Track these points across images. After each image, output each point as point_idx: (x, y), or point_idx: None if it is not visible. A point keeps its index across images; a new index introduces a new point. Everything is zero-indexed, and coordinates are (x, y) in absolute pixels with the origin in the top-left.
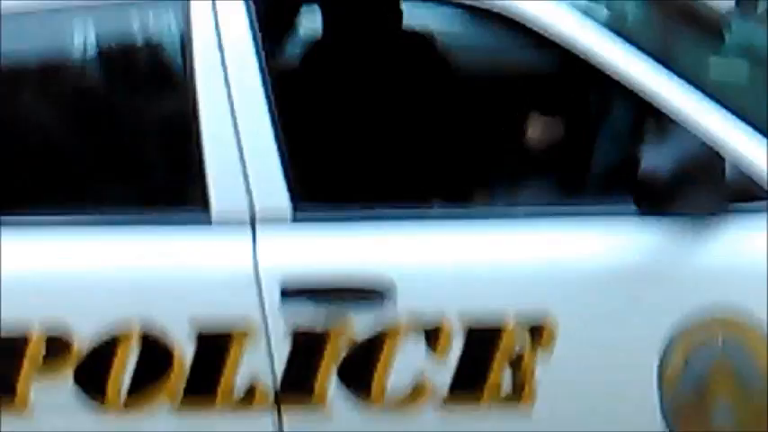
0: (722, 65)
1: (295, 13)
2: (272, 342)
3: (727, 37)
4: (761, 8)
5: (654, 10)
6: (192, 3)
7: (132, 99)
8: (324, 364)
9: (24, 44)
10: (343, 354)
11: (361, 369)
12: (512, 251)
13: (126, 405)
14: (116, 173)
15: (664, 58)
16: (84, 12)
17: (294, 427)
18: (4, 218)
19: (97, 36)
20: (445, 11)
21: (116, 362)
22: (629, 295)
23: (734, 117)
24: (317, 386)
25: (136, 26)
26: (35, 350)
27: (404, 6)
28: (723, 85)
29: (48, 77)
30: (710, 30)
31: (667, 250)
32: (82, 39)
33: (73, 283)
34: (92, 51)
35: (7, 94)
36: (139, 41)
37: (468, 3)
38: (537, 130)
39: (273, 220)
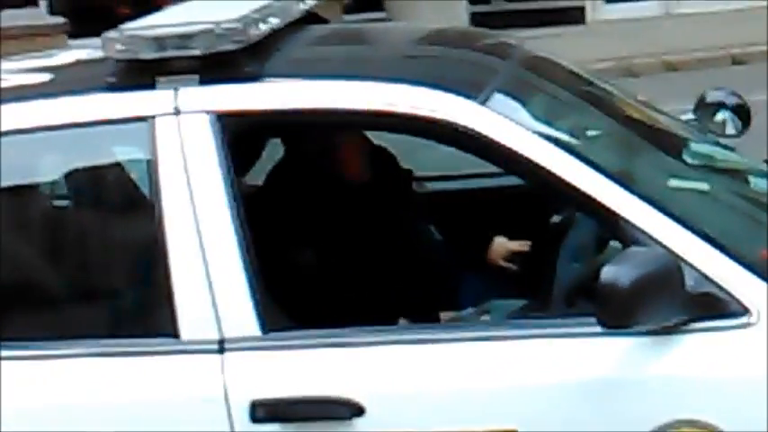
0: (682, 181)
1: (263, 133)
2: None
3: (686, 153)
4: (718, 118)
5: (614, 126)
6: (157, 125)
7: (99, 226)
8: None
9: None
10: None
11: None
12: (478, 369)
13: None
14: (84, 302)
15: (624, 175)
16: (48, 137)
17: None
18: None
19: (62, 161)
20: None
21: None
22: (595, 409)
23: (692, 232)
24: None
25: (101, 150)
26: None
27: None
28: (683, 200)
29: (10, 204)
30: (671, 144)
31: (632, 363)
32: (47, 164)
33: (42, 412)
34: (57, 176)
35: None
36: (105, 166)
37: (427, 123)
38: (500, 248)
39: (242, 346)
